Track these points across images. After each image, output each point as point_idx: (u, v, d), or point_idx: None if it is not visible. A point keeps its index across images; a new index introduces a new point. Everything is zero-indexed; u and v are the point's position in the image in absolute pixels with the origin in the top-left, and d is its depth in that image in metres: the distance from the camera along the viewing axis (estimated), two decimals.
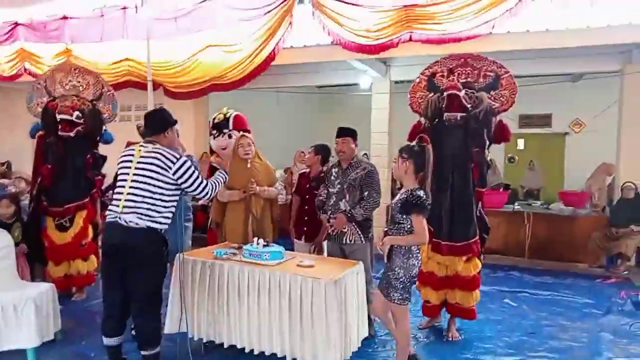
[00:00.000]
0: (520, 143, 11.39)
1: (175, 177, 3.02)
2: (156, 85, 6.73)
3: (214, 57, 6.71)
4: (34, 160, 4.85)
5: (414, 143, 3.21)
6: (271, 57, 6.36)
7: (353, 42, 5.91)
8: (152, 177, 2.97)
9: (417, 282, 4.13)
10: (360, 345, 3.41)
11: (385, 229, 3.35)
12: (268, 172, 4.06)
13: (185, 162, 3.06)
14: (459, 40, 5.42)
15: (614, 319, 4.54)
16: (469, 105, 3.77)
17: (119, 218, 2.96)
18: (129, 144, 3.42)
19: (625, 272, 6.09)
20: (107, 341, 3.12)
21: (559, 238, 6.63)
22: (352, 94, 9.85)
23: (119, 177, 3.08)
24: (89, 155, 4.80)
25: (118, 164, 3.11)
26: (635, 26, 5.23)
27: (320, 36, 6.27)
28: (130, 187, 2.98)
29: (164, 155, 3.00)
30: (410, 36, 5.61)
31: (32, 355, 3.43)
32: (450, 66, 3.99)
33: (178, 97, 6.95)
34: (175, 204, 3.11)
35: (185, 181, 3.05)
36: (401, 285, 3.10)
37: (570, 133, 11.02)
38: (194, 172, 3.08)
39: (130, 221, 2.93)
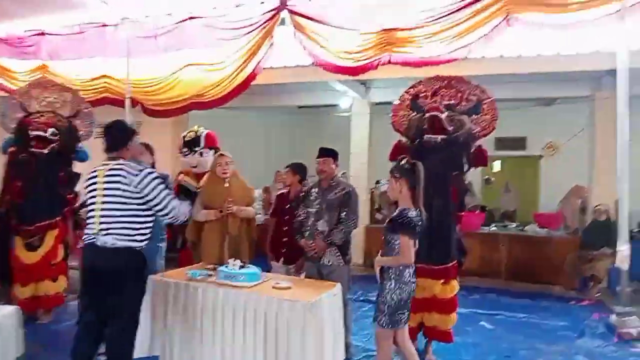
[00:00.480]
0: (497, 165, 11.59)
1: (139, 189, 2.88)
2: (135, 103, 6.66)
3: (194, 75, 6.68)
4: (4, 177, 4.73)
5: (403, 162, 3.17)
6: (252, 76, 6.35)
7: (333, 63, 5.96)
8: (119, 195, 2.89)
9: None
10: None
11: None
12: (245, 191, 4.02)
13: (149, 174, 2.93)
14: (437, 63, 5.50)
15: (588, 341, 4.60)
16: (450, 128, 3.81)
17: (96, 239, 2.91)
18: None
19: (598, 294, 6.19)
20: None
21: (535, 260, 6.72)
22: (332, 115, 9.93)
23: (89, 200, 3.01)
24: (62, 173, 4.70)
25: (85, 187, 3.05)
26: (604, 54, 5.41)
27: (300, 57, 6.33)
28: (102, 208, 2.92)
29: (125, 170, 2.91)
30: (389, 59, 5.69)
31: None
32: (435, 87, 4.06)
33: (157, 114, 6.86)
34: (151, 221, 3.02)
35: (149, 194, 2.89)
36: (387, 310, 3.04)
37: (545, 156, 11.27)
38: (162, 188, 2.94)
39: (106, 242, 2.88)
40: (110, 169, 2.93)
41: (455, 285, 3.91)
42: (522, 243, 6.90)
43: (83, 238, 3.02)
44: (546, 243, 6.83)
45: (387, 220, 3.15)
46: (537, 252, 6.76)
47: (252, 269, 3.39)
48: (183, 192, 4.41)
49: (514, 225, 7.86)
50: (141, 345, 3.30)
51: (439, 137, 3.78)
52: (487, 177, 11.15)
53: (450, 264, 3.84)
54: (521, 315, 5.33)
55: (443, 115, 3.79)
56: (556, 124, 10.12)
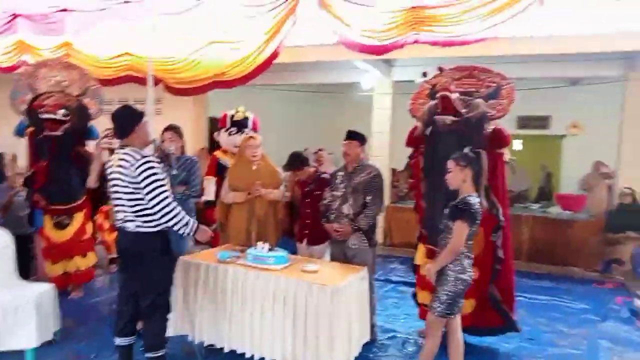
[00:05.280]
0: (518, 144, 11.42)
1: (137, 179, 2.86)
2: (157, 81, 6.68)
3: (216, 54, 6.66)
4: (28, 158, 4.77)
5: (467, 150, 3.12)
6: (274, 55, 6.30)
7: (358, 42, 5.87)
8: (125, 185, 2.92)
9: (417, 287, 4.17)
10: (361, 349, 3.41)
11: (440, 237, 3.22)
12: (273, 174, 4.03)
13: (146, 162, 2.88)
14: (466, 43, 5.38)
15: (612, 325, 4.59)
16: (462, 110, 3.73)
17: (122, 224, 3.02)
18: None
19: (621, 277, 6.15)
20: (118, 341, 3.13)
21: (556, 242, 6.68)
22: (354, 93, 9.82)
23: (111, 188, 3.08)
24: (77, 153, 4.70)
25: (108, 174, 3.10)
26: (638, 34, 5.24)
27: (324, 35, 6.24)
28: (115, 198, 3.01)
29: (126, 160, 2.90)
30: (416, 38, 5.58)
31: (31, 357, 3.40)
32: (456, 77, 3.98)
33: (179, 93, 6.88)
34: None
35: (141, 182, 2.85)
36: (447, 299, 3.03)
37: (568, 136, 11.06)
38: (156, 180, 2.86)
39: (128, 227, 2.98)
40: (119, 158, 2.97)
41: (474, 270, 3.86)
42: (545, 225, 6.84)
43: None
44: (569, 225, 6.77)
45: (448, 208, 3.10)
46: (559, 234, 6.71)
47: (281, 252, 3.43)
48: (222, 171, 4.42)
49: (537, 206, 7.79)
50: (173, 324, 3.40)
51: (449, 118, 3.70)
52: (509, 159, 10.98)
53: None
54: (543, 298, 5.33)
55: (453, 96, 3.70)
56: (581, 104, 9.90)
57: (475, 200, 2.99)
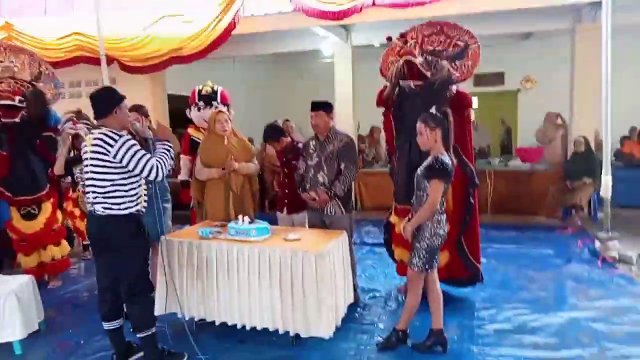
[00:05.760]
0: (475, 101, 11.70)
1: (117, 159, 2.84)
2: (110, 60, 6.43)
3: (171, 29, 6.45)
4: None
5: (434, 111, 3.17)
6: (231, 26, 6.19)
7: (316, 8, 5.83)
8: (99, 166, 2.87)
9: (393, 244, 4.29)
10: (346, 311, 3.53)
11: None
12: (245, 148, 4.01)
13: (126, 141, 2.87)
14: (422, 3, 5.45)
15: (575, 266, 4.89)
16: (428, 73, 3.77)
17: (92, 207, 2.97)
18: None
19: (580, 222, 6.52)
20: (106, 325, 3.10)
21: (519, 193, 6.99)
22: (315, 60, 9.76)
23: (84, 169, 3.01)
24: (39, 141, 4.53)
25: (82, 154, 3.03)
26: None
27: (281, 3, 6.15)
28: (88, 178, 2.94)
29: (103, 140, 2.85)
30: (374, 1, 5.59)
31: (19, 348, 3.37)
32: (426, 33, 4.01)
33: (135, 71, 6.68)
34: (138, 185, 3.01)
35: (128, 163, 2.85)
36: (425, 253, 3.13)
37: (522, 90, 11.41)
38: (136, 151, 2.87)
39: (97, 211, 2.93)
40: (94, 137, 2.89)
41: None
42: (507, 178, 7.13)
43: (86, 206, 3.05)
44: (529, 176, 7.09)
45: (421, 168, 3.17)
46: (521, 185, 7.02)
47: (262, 223, 3.46)
48: (195, 148, 4.36)
49: (497, 161, 8.08)
50: (160, 303, 3.40)
51: (412, 83, 3.75)
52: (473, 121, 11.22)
53: None
54: (510, 247, 5.62)
55: (417, 60, 3.75)
56: (533, 58, 10.20)
57: (447, 159, 3.10)
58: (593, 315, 3.73)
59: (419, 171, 3.20)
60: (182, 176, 4.48)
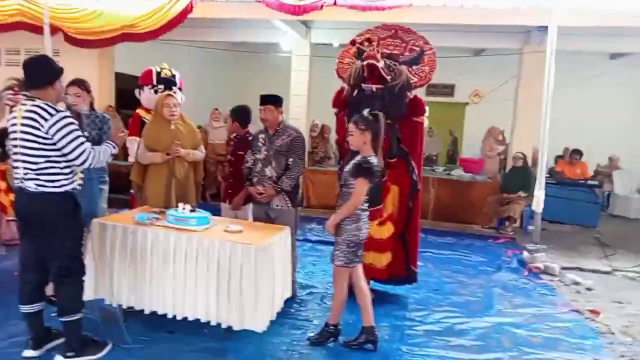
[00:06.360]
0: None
1: (50, 134, 2.69)
2: (54, 29, 6.09)
3: (125, 5, 6.19)
4: None
5: (366, 113, 3.23)
6: (188, 9, 6.03)
7: (277, 1, 5.79)
8: (34, 141, 2.71)
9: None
10: (283, 305, 3.54)
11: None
12: (193, 134, 3.90)
13: (63, 117, 2.72)
14: (382, 8, 5.54)
15: (503, 275, 5.15)
16: (388, 77, 3.83)
17: (22, 183, 2.79)
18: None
19: (512, 233, 6.87)
20: (25, 308, 2.92)
21: (458, 201, 7.26)
22: (272, 54, 9.66)
23: (12, 142, 2.80)
24: None
25: (9, 126, 2.81)
26: (536, 10, 5.68)
27: None
28: (21, 152, 2.75)
29: (37, 113, 2.69)
30: (335, 0, 5.62)
31: None
32: (382, 36, 4.06)
33: (84, 45, 6.35)
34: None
35: (60, 140, 2.70)
36: (347, 249, 3.19)
37: (470, 103, 11.86)
38: (72, 131, 2.73)
39: (29, 187, 2.76)
40: (27, 110, 2.72)
41: (390, 226, 4.11)
42: (449, 186, 7.39)
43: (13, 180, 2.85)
44: (470, 186, 7.38)
45: (349, 166, 3.22)
46: (461, 194, 7.29)
47: (203, 213, 3.40)
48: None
49: (441, 169, 8.35)
50: (88, 288, 3.26)
51: (374, 87, 3.81)
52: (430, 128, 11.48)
53: (383, 206, 4.01)
54: (447, 252, 5.83)
55: (380, 64, 3.80)
56: (483, 74, 10.62)
57: (374, 160, 3.17)
58: (515, 321, 3.93)
59: (346, 169, 3.27)
60: (131, 158, 4.30)
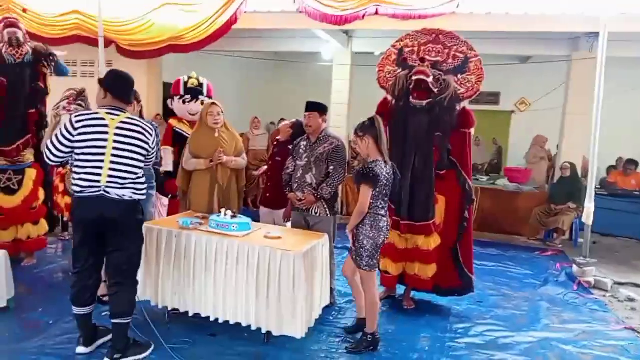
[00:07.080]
0: None
1: (153, 148, 3.04)
2: (108, 42, 6.38)
3: (171, 17, 6.42)
4: None
5: (363, 120, 3.31)
6: (232, 20, 6.17)
7: (319, 11, 5.84)
8: (135, 152, 2.92)
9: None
10: (321, 312, 3.54)
11: None
12: (235, 141, 3.99)
13: (156, 129, 3.11)
14: (424, 17, 5.48)
15: (551, 289, 4.94)
16: (436, 90, 3.78)
17: (104, 191, 2.84)
18: None
19: (560, 246, 6.60)
20: (80, 310, 3.02)
21: (503, 212, 7.05)
22: (314, 63, 9.76)
23: (89, 147, 2.82)
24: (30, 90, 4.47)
25: (85, 132, 2.83)
26: (585, 17, 5.49)
27: (284, 2, 6.14)
28: (112, 161, 2.84)
29: (142, 127, 2.98)
30: (377, 10, 5.62)
31: None
32: (422, 41, 4.02)
33: (133, 56, 6.62)
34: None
35: (156, 152, 3.14)
36: (367, 254, 3.23)
37: (516, 111, 11.53)
38: (158, 143, 3.18)
39: (123, 195, 2.87)
40: (124, 122, 2.89)
41: (437, 238, 4.01)
42: (493, 196, 7.19)
43: (79, 186, 2.85)
44: (515, 197, 7.15)
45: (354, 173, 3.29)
46: (506, 205, 7.08)
47: (244, 219, 3.46)
48: (178, 140, 4.35)
49: (485, 179, 8.14)
50: None
51: (425, 102, 3.77)
52: (477, 137, 11.27)
53: (431, 221, 3.95)
54: (490, 264, 5.66)
55: (429, 79, 3.74)
56: (529, 81, 10.31)
57: (379, 166, 3.17)
58: (564, 337, 3.76)
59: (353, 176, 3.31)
60: (165, 167, 4.45)
